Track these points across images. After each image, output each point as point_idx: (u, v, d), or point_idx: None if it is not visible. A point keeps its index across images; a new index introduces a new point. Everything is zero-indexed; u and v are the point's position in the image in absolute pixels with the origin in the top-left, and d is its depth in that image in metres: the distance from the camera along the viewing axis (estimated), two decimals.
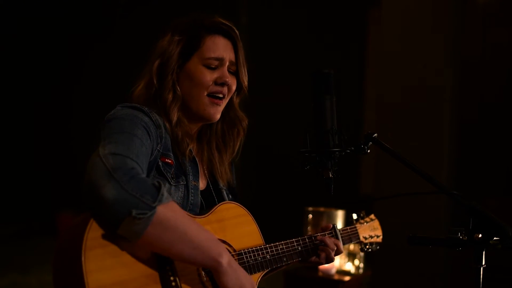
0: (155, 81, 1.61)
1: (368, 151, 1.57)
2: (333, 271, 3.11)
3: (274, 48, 6.65)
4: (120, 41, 7.66)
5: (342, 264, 3.19)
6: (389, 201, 3.93)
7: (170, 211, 1.29)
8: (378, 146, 1.55)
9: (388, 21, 4.29)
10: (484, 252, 1.34)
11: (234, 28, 1.67)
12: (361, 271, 3.20)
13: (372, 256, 4.08)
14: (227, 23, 1.67)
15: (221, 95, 1.64)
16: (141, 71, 1.69)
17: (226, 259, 1.37)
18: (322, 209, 3.13)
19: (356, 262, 3.19)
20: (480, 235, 1.33)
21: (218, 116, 1.66)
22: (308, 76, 1.58)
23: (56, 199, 8.01)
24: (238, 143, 1.79)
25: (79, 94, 8.09)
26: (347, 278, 3.08)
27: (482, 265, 1.34)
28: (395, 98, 4.19)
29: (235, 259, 1.54)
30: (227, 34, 1.66)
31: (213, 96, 1.63)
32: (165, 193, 1.30)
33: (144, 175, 1.33)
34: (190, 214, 1.48)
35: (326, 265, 3.11)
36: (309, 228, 3.12)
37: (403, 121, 4.13)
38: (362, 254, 3.20)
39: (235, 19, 1.74)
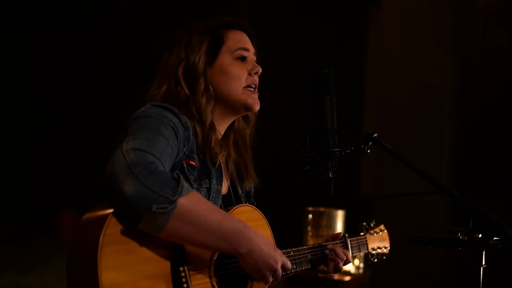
0: (184, 87, 1.60)
1: (368, 151, 1.57)
2: None
3: (274, 48, 6.65)
4: (120, 41, 7.66)
5: None
6: (389, 201, 3.93)
7: (190, 203, 1.29)
8: (378, 146, 1.55)
9: (388, 21, 4.28)
10: (484, 252, 1.34)
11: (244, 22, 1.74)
12: (361, 271, 3.20)
13: None
14: (236, 19, 1.73)
15: (253, 86, 1.68)
16: (153, 82, 1.67)
17: (245, 250, 1.38)
18: (322, 209, 3.13)
19: (356, 262, 3.19)
20: (480, 235, 1.33)
21: (258, 106, 1.69)
22: (308, 76, 1.58)
23: (56, 199, 8.02)
24: (249, 133, 1.81)
25: (79, 94, 8.10)
26: (347, 278, 3.08)
27: (482, 265, 1.34)
28: (395, 98, 4.19)
29: None
30: (243, 29, 1.71)
31: (249, 87, 1.66)
32: (185, 184, 1.30)
33: (163, 169, 1.33)
34: None
35: None
36: (309, 228, 3.12)
37: (403, 121, 4.13)
38: (362, 254, 3.20)
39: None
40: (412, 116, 4.10)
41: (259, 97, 1.70)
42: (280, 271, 1.47)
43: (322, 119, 1.55)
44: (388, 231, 2.09)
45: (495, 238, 1.32)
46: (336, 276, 3.09)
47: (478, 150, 4.16)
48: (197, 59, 1.62)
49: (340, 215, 3.10)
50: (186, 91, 1.60)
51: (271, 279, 1.48)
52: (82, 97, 8.08)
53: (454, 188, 1.42)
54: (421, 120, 4.08)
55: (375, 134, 1.57)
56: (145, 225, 1.26)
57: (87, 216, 1.33)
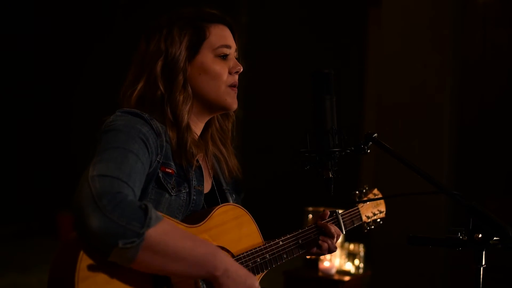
0: (160, 85, 1.52)
1: (368, 151, 1.57)
2: (333, 271, 3.11)
3: (274, 48, 6.65)
4: (120, 41, 7.66)
5: (342, 264, 3.19)
6: (389, 201, 3.93)
7: (159, 234, 1.25)
8: (378, 146, 1.55)
9: (388, 21, 4.29)
10: (484, 252, 1.34)
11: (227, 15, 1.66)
12: (361, 271, 3.20)
13: (372, 256, 4.08)
14: (219, 12, 1.65)
15: (234, 85, 1.61)
16: (128, 76, 1.60)
17: (221, 271, 1.33)
18: (322, 209, 3.13)
19: (356, 262, 3.19)
20: (480, 235, 1.33)
21: (236, 105, 1.62)
22: (308, 76, 1.58)
23: (56, 199, 8.01)
24: (230, 126, 1.74)
25: (79, 94, 8.10)
26: (347, 278, 3.08)
27: (482, 265, 1.34)
28: (395, 98, 4.19)
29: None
30: (225, 22, 1.63)
31: (230, 86, 1.59)
32: (153, 215, 1.25)
33: (132, 197, 1.28)
34: (186, 225, 1.44)
35: (326, 265, 3.11)
36: None
37: (403, 121, 4.13)
38: (362, 254, 3.20)
39: (235, 19, 1.74)
40: (412, 116, 4.11)
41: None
42: None
43: (322, 119, 1.55)
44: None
45: (495, 238, 1.31)
46: (336, 276, 3.10)
47: (478, 150, 4.16)
48: (177, 53, 1.53)
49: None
50: (162, 89, 1.52)
51: None
52: (82, 97, 8.08)
53: (454, 188, 1.42)
54: (421, 120, 4.08)
55: (375, 134, 1.57)
56: (115, 258, 1.23)
57: (63, 244, 1.31)
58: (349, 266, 3.18)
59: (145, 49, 1.57)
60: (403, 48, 4.17)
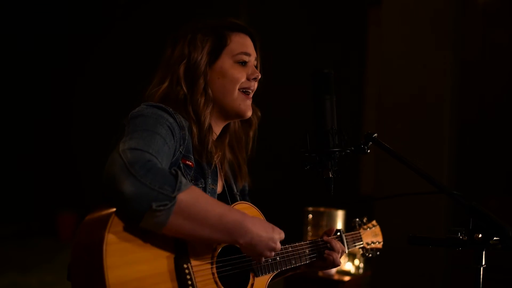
0: (184, 86, 1.61)
1: (368, 151, 1.58)
2: (333, 271, 3.11)
3: (274, 48, 6.65)
4: (120, 41, 7.67)
5: (342, 264, 3.18)
6: (389, 201, 3.93)
7: (190, 199, 1.31)
8: (378, 146, 1.56)
9: (388, 21, 4.28)
10: (484, 252, 1.34)
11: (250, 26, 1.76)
12: (361, 271, 3.20)
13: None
14: (242, 22, 1.75)
15: (249, 90, 1.69)
16: (154, 76, 1.68)
17: (245, 240, 1.42)
18: (322, 209, 3.13)
19: (356, 262, 3.19)
20: (480, 235, 1.33)
21: (250, 112, 1.70)
22: (308, 76, 1.58)
23: (56, 199, 8.02)
24: (252, 135, 1.83)
25: (79, 94, 8.10)
26: (347, 278, 3.08)
27: (482, 265, 1.34)
28: (395, 98, 4.19)
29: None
30: (247, 32, 1.72)
31: (244, 91, 1.68)
32: (184, 180, 1.31)
33: (161, 166, 1.34)
34: None
35: None
36: (309, 228, 3.12)
37: (403, 121, 4.13)
38: (359, 252, 3.20)
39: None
40: (412, 116, 4.10)
41: (257, 101, 1.72)
42: (279, 247, 1.52)
43: (322, 119, 1.56)
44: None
45: (495, 238, 1.32)
46: (336, 276, 3.09)
47: (478, 150, 4.15)
48: (199, 58, 1.63)
49: (340, 215, 3.10)
50: (185, 90, 1.61)
51: (272, 255, 1.53)
52: (82, 97, 8.08)
53: (454, 188, 1.42)
54: (421, 120, 4.08)
55: (375, 134, 1.57)
56: (147, 223, 1.27)
57: (89, 217, 1.34)
58: (349, 266, 3.18)
59: (170, 53, 1.68)
60: (403, 48, 4.16)
